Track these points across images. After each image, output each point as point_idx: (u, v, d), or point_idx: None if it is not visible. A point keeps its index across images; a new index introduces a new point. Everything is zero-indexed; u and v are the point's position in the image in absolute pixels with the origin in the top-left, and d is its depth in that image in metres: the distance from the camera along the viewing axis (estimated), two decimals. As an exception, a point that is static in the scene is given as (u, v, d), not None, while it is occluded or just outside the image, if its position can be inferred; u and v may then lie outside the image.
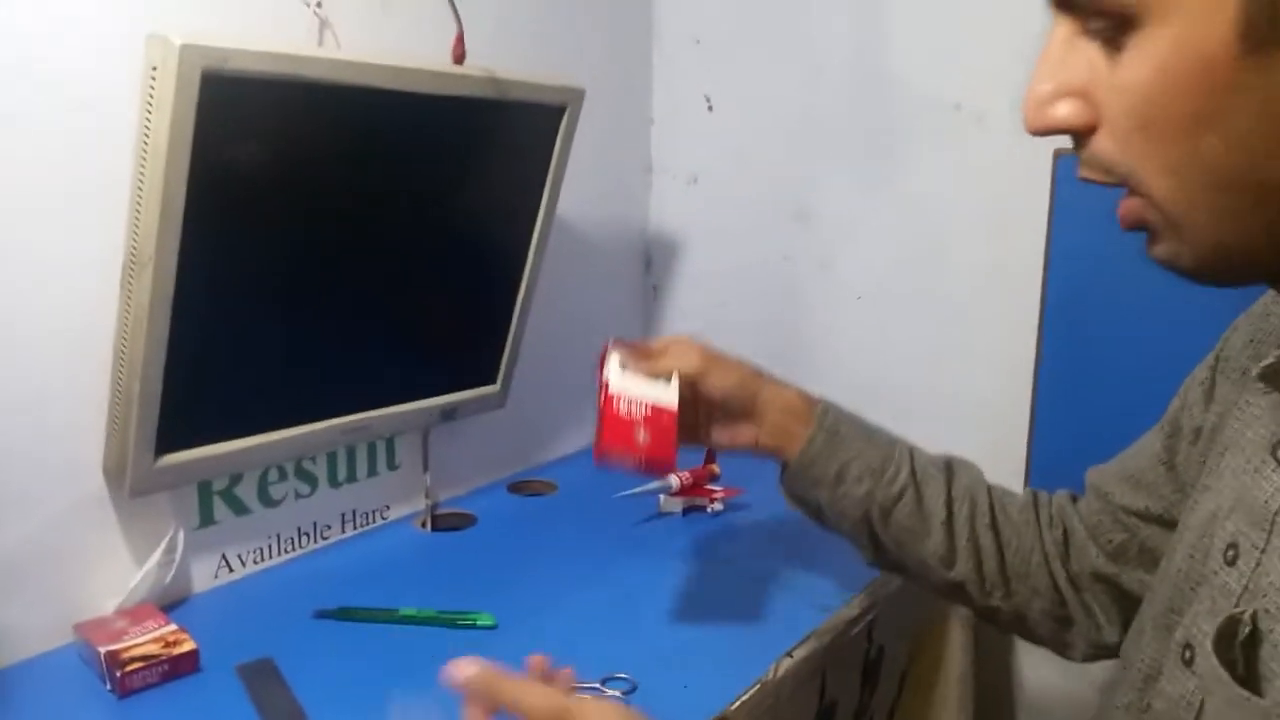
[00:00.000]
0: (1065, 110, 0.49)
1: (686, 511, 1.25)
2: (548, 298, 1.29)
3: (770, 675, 0.88)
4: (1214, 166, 0.46)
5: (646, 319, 1.64)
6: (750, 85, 1.47)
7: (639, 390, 0.82)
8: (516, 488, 1.36)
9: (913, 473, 0.84)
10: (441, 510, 1.26)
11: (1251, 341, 0.62)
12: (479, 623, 0.95)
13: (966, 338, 1.35)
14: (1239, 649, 0.49)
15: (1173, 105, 0.46)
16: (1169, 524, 0.70)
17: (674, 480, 1.22)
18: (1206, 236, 0.49)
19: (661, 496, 1.23)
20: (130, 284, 0.85)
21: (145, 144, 0.81)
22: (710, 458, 1.30)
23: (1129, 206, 0.50)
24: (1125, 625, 0.71)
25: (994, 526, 0.83)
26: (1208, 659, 0.51)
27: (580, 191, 1.33)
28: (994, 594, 0.83)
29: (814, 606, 1.00)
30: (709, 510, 1.26)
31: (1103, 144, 0.49)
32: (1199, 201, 0.47)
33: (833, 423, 0.86)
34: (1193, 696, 0.54)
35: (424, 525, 1.23)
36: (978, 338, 1.35)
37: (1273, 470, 0.54)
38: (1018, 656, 1.37)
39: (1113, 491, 0.77)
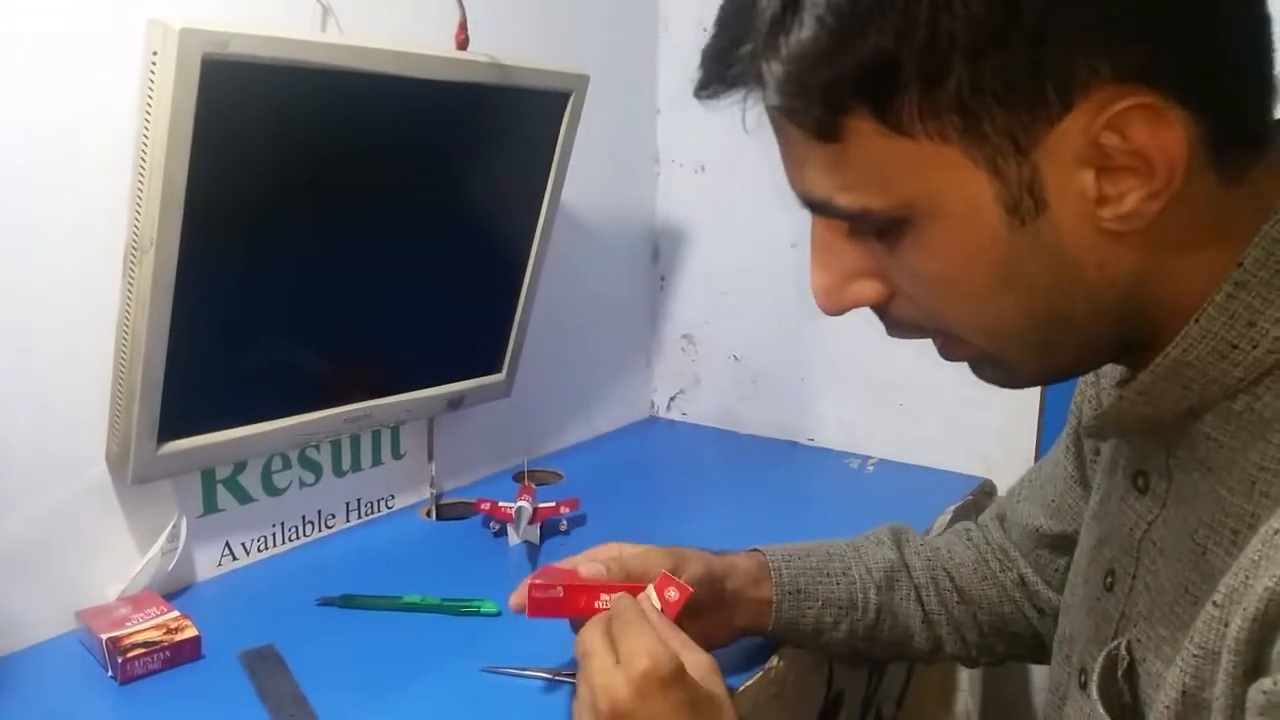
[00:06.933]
0: (860, 290, 0.52)
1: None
2: (555, 287, 1.29)
3: (775, 663, 0.87)
4: (1017, 317, 0.49)
5: (653, 308, 1.63)
6: (757, 73, 1.46)
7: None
8: (521, 477, 1.35)
9: (879, 588, 0.83)
10: (446, 499, 1.26)
11: None
12: (482, 610, 0.95)
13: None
14: (1122, 680, 0.52)
15: (965, 281, 0.48)
16: None
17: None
18: (1029, 365, 0.52)
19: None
20: (132, 271, 0.85)
21: (146, 130, 0.81)
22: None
23: (950, 347, 0.53)
24: None
25: (963, 599, 0.85)
26: (1093, 692, 0.53)
27: (587, 181, 1.33)
28: (981, 658, 0.86)
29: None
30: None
31: (905, 311, 0.52)
32: (1013, 343, 0.51)
33: (791, 579, 0.82)
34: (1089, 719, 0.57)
35: (429, 514, 1.23)
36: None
37: (1135, 499, 0.56)
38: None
39: (1041, 524, 0.80)
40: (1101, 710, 0.52)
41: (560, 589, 0.73)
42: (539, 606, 0.73)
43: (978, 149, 0.44)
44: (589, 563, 0.76)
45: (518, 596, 0.75)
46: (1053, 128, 0.43)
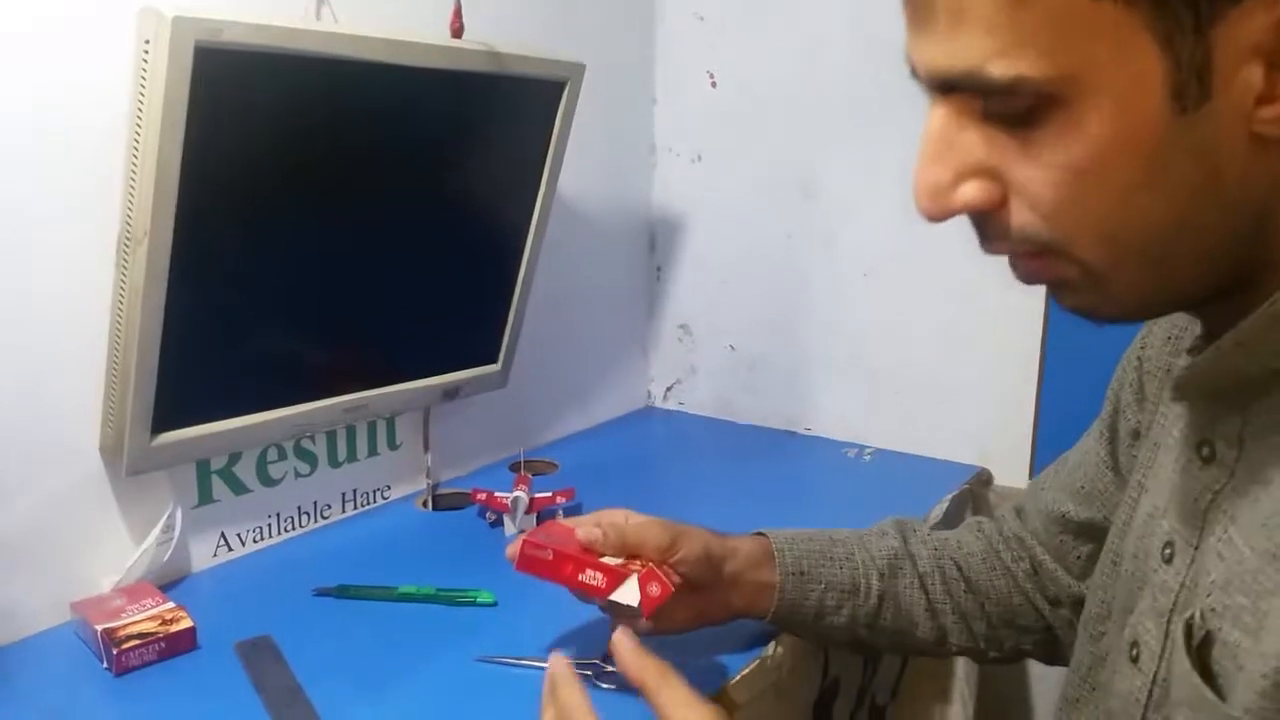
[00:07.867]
0: (971, 192, 0.47)
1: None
2: (551, 277, 1.29)
3: (771, 652, 0.87)
4: (1151, 222, 0.45)
5: (650, 298, 1.63)
6: (754, 61, 1.46)
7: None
8: (518, 467, 1.35)
9: (881, 575, 0.83)
10: (442, 490, 1.26)
11: (1170, 339, 0.62)
12: (479, 600, 0.95)
13: (973, 314, 1.34)
14: (1195, 651, 0.50)
15: (1108, 174, 0.44)
16: None
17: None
18: (1133, 288, 0.48)
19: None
20: (125, 260, 0.85)
21: (139, 118, 0.80)
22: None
23: (1046, 267, 0.49)
24: None
25: (970, 589, 0.84)
26: (1183, 662, 0.51)
27: (583, 170, 1.32)
28: (989, 651, 0.85)
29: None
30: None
31: (1021, 217, 0.47)
32: (1132, 257, 0.47)
33: (794, 561, 0.82)
34: (1140, 693, 0.55)
35: (425, 505, 1.23)
36: (984, 314, 1.33)
37: (1199, 469, 0.54)
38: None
39: (1068, 510, 0.79)
40: (1196, 677, 0.50)
41: (550, 551, 0.76)
42: (528, 563, 0.77)
43: (1158, 17, 0.41)
44: (589, 525, 0.78)
45: (514, 548, 0.78)
46: (1236, 5, 0.40)
